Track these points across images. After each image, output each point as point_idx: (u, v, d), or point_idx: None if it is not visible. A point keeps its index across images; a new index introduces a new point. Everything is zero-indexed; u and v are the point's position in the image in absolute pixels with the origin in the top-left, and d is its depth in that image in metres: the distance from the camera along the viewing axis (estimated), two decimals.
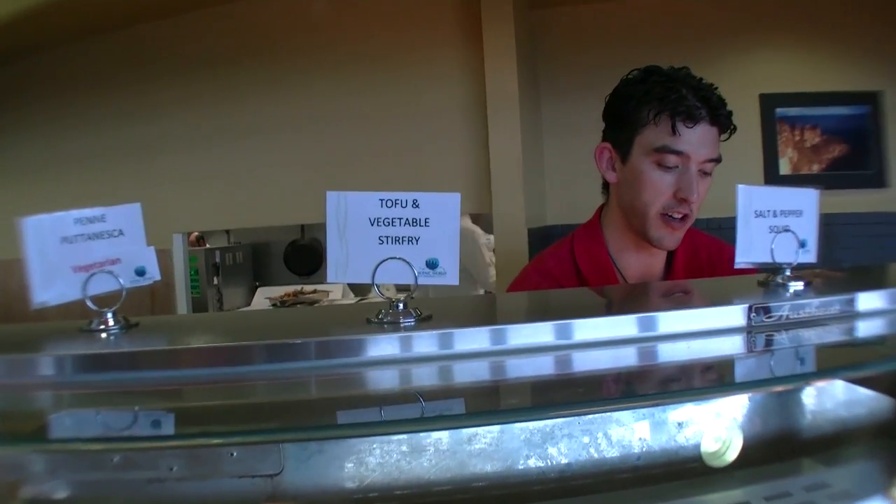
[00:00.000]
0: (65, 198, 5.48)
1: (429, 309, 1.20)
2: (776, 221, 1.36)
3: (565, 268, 1.80)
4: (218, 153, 5.14)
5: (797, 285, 1.32)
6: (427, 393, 1.04)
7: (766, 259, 1.34)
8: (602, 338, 1.12)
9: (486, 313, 1.41)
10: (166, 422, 1.00)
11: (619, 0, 4.91)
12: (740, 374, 1.05)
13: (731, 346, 1.14)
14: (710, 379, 1.02)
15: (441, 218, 1.16)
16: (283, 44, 5.03)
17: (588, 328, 1.11)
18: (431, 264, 1.17)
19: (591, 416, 1.06)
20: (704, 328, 1.15)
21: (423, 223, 1.16)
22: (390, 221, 1.17)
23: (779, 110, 4.81)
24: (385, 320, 1.16)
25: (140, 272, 1.36)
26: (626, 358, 1.12)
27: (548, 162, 5.07)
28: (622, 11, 4.91)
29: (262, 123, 5.08)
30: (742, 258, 1.34)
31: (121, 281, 1.31)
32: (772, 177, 4.76)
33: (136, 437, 0.89)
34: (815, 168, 4.78)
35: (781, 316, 1.18)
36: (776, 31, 4.84)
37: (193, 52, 5.24)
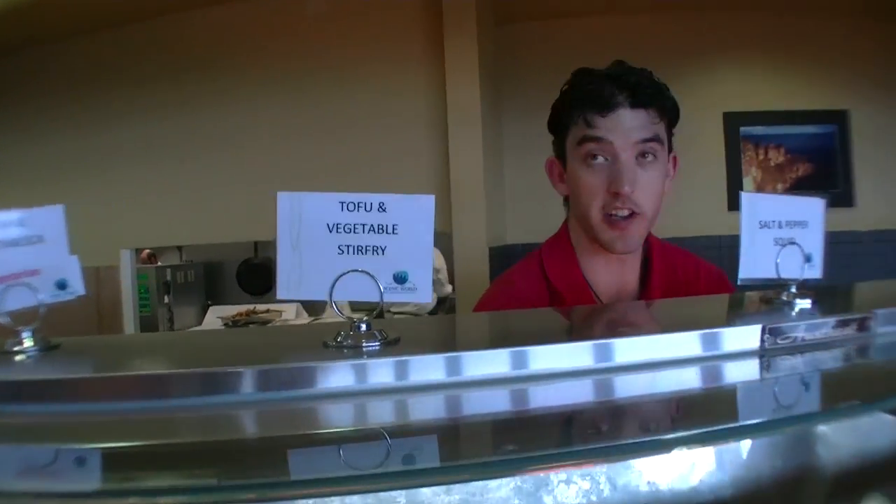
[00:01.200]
0: (7, 206, 5.25)
1: (396, 331, 1.04)
2: (781, 233, 1.22)
3: (536, 287, 1.67)
4: (170, 166, 4.96)
5: (804, 303, 1.18)
6: (396, 431, 0.88)
7: (771, 274, 1.21)
8: (604, 365, 0.97)
9: (465, 336, 1.25)
10: (63, 468, 0.82)
11: (584, 16, 4.83)
12: (762, 408, 0.91)
13: (746, 372, 1.00)
14: (727, 416, 0.88)
15: (412, 224, 1.00)
16: (239, 55, 4.88)
17: (582, 354, 0.97)
18: (400, 278, 1.01)
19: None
20: (712, 353, 1.00)
21: (390, 230, 1.00)
22: (352, 228, 1.00)
23: (743, 129, 4.76)
24: (345, 344, 1.00)
25: (61, 285, 1.19)
26: (630, 387, 0.97)
27: (508, 180, 4.97)
28: (587, 28, 4.84)
29: (218, 136, 4.91)
30: (746, 273, 1.20)
31: (39, 295, 1.14)
32: (735, 196, 4.69)
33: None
34: (780, 187, 4.72)
35: (796, 338, 1.04)
36: (741, 48, 4.79)
37: (146, 63, 5.06)
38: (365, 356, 0.97)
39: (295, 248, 1.02)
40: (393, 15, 4.60)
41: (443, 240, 5.06)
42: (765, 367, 1.01)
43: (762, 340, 1.02)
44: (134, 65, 5.05)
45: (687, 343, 1.00)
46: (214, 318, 7.52)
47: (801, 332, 1.05)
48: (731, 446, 0.84)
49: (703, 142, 4.75)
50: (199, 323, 7.75)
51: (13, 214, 1.17)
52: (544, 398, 0.95)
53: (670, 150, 1.63)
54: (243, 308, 7.54)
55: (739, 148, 4.74)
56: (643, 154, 1.53)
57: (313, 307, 7.36)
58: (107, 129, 5.10)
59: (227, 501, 0.70)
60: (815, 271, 1.25)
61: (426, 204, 1.00)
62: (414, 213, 1.00)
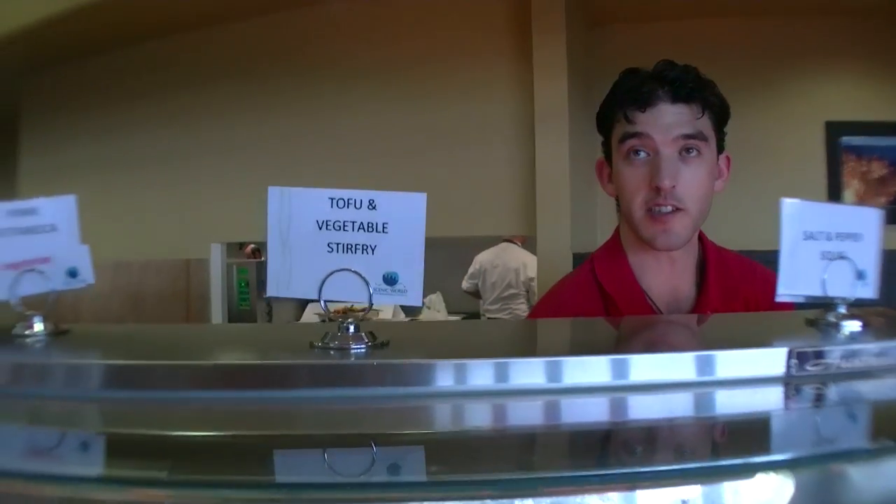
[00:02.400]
0: (101, 203, 5.41)
1: (387, 333, 0.97)
2: (830, 246, 1.10)
3: (588, 294, 1.62)
4: (262, 160, 5.02)
5: (853, 325, 1.06)
6: (383, 439, 0.83)
7: (816, 292, 1.09)
8: (606, 383, 0.89)
9: (463, 341, 1.17)
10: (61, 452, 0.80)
11: (680, 20, 4.67)
12: (769, 443, 0.81)
13: (763, 401, 0.90)
14: (722, 450, 0.79)
15: (403, 223, 0.94)
16: (323, 54, 4.91)
17: (582, 369, 0.88)
18: (390, 279, 0.95)
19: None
20: (728, 376, 0.90)
21: (380, 229, 0.94)
22: (342, 225, 0.95)
23: (844, 139, 4.51)
24: (331, 345, 0.94)
25: (72, 273, 1.20)
26: (631, 409, 0.89)
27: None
28: (682, 32, 4.67)
29: (305, 134, 4.95)
30: (786, 289, 1.09)
31: (50, 283, 1.14)
32: None
33: None
34: (882, 201, 4.46)
35: (830, 364, 0.93)
36: (843, 56, 4.55)
37: (238, 62, 5.15)
38: (349, 358, 0.91)
39: (284, 246, 0.97)
40: (480, 15, 4.54)
41: (530, 245, 4.98)
42: (787, 396, 0.90)
43: (788, 366, 0.91)
44: (223, 65, 5.15)
45: (696, 365, 0.90)
46: (312, 314, 7.60)
47: (834, 359, 0.94)
48: (725, 485, 0.75)
49: (803, 152, 4.53)
50: (298, 318, 7.84)
51: (28, 204, 1.19)
52: (523, 413, 0.87)
53: (721, 149, 1.59)
54: (340, 306, 7.57)
55: (840, 159, 4.50)
56: (686, 149, 1.49)
57: (413, 308, 7.36)
58: (197, 126, 5.21)
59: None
60: (868, 290, 1.13)
61: (418, 202, 0.93)
62: (405, 211, 0.94)
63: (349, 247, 0.95)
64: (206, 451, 0.81)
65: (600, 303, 1.61)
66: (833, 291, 1.09)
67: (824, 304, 1.11)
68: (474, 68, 4.52)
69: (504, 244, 6.35)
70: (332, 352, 0.93)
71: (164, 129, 5.33)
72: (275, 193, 0.96)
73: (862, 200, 4.44)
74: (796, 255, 1.08)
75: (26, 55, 5.44)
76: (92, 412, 0.91)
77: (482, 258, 6.49)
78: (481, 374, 0.87)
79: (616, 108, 1.54)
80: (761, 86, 4.54)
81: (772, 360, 0.92)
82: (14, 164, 5.98)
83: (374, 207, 0.94)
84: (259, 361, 0.90)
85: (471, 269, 6.62)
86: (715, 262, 1.63)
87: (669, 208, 1.48)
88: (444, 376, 0.87)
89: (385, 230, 0.94)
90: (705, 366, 0.90)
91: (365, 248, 0.95)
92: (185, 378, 0.89)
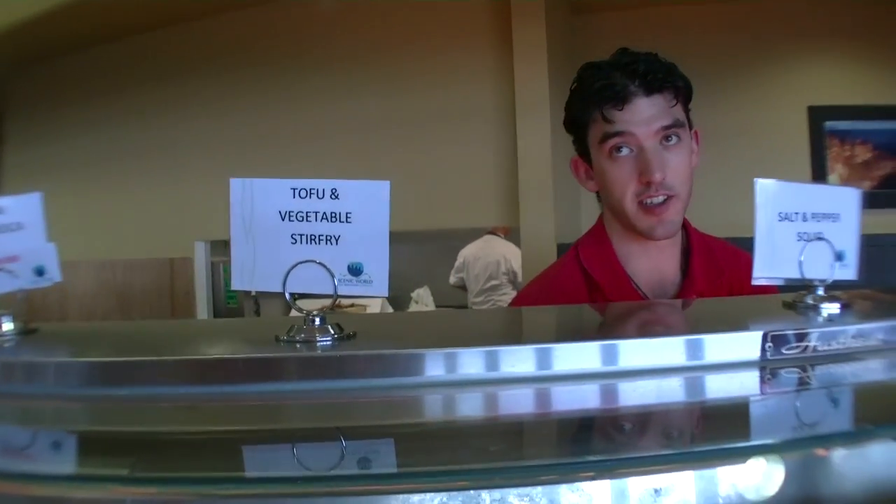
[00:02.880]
0: (83, 198, 5.38)
1: (354, 325, 0.95)
2: (806, 227, 1.09)
3: (573, 280, 1.64)
4: (245, 158, 4.99)
5: (832, 307, 1.05)
6: (352, 433, 0.81)
7: (793, 274, 1.07)
8: (580, 370, 0.87)
9: (432, 332, 1.15)
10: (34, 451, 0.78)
11: (662, 6, 4.65)
12: (744, 429, 0.79)
13: (735, 386, 0.88)
14: (698, 437, 0.77)
15: (366, 212, 0.92)
16: (302, 44, 4.88)
17: (545, 356, 0.86)
18: (354, 270, 0.93)
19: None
20: (703, 361, 0.88)
21: (343, 218, 0.92)
22: (305, 216, 0.93)
23: (828, 123, 4.50)
24: (297, 338, 0.92)
25: (39, 272, 1.18)
26: (604, 397, 0.87)
27: None
28: (665, 17, 4.65)
29: (288, 128, 4.92)
30: (762, 272, 1.07)
31: (17, 281, 1.13)
32: None
33: None
34: (867, 185, 4.44)
35: (806, 347, 0.92)
36: (827, 39, 4.53)
37: (215, 57, 5.11)
38: (316, 350, 0.89)
39: (248, 237, 0.94)
40: (460, 4, 4.51)
41: (514, 236, 4.96)
42: (762, 381, 0.88)
43: (763, 350, 0.90)
44: (203, 59, 5.11)
45: (672, 350, 0.88)
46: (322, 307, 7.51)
47: (810, 342, 0.92)
48: (700, 473, 0.73)
49: (786, 137, 4.52)
50: (286, 313, 7.78)
51: None
52: (489, 403, 0.85)
53: (691, 126, 1.61)
54: (328, 302, 7.52)
55: (824, 143, 4.48)
56: (667, 138, 1.52)
57: (398, 301, 7.33)
58: (182, 122, 5.18)
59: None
60: (847, 272, 1.11)
61: (381, 190, 0.91)
62: (368, 200, 0.92)
63: (313, 237, 0.93)
64: (167, 447, 0.79)
65: (585, 289, 1.62)
66: (811, 273, 1.07)
67: (804, 287, 1.09)
68: (453, 53, 4.50)
69: (487, 236, 6.34)
70: (297, 345, 0.91)
71: (147, 126, 5.30)
72: (237, 185, 0.94)
73: (847, 185, 4.43)
74: (772, 236, 1.07)
75: (10, 52, 5.40)
76: (55, 409, 0.90)
77: (466, 252, 6.48)
78: (445, 363, 0.85)
79: (591, 108, 1.55)
80: (744, 70, 4.53)
81: (746, 343, 0.90)
82: None
83: (336, 197, 0.92)
84: (221, 356, 0.88)
85: (456, 263, 6.62)
86: (699, 248, 1.66)
87: (662, 198, 1.51)
88: (409, 367, 0.85)
89: (349, 220, 0.92)
90: (679, 351, 0.89)
91: (329, 238, 0.92)
92: (146, 374, 0.87)
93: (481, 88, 4.44)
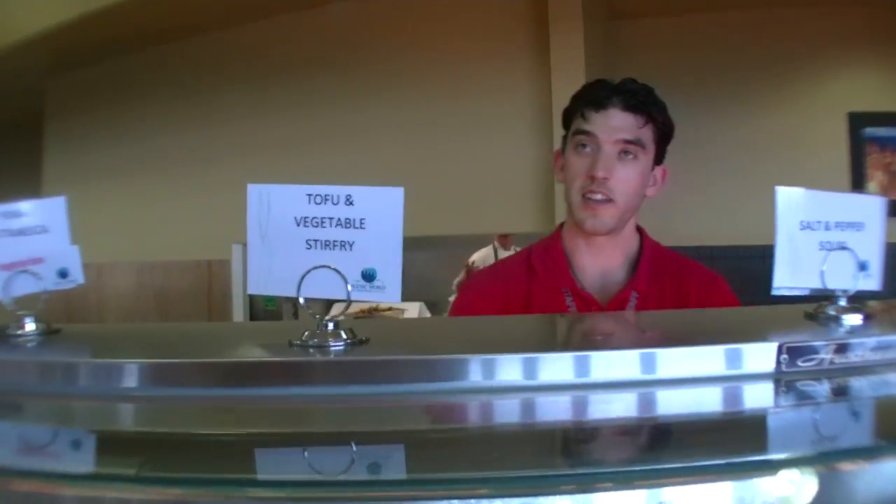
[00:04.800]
0: (123, 202, 5.46)
1: (367, 331, 0.96)
2: (829, 236, 1.07)
3: (518, 266, 1.84)
4: (285, 160, 5.03)
5: (854, 319, 1.03)
6: (364, 438, 0.82)
7: (815, 284, 1.06)
8: (610, 378, 0.86)
9: (443, 338, 1.15)
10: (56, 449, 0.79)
11: (700, 13, 4.61)
12: (756, 444, 0.78)
13: (752, 398, 0.87)
14: (708, 450, 0.76)
15: (380, 218, 0.92)
16: (343, 53, 4.90)
17: (557, 365, 0.86)
18: (368, 276, 0.93)
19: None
20: (712, 373, 0.87)
21: (357, 224, 0.93)
22: (319, 222, 0.94)
23: (868, 130, 4.43)
24: (310, 343, 0.93)
25: (63, 274, 1.20)
26: (624, 407, 0.86)
27: None
28: (703, 25, 4.61)
29: (325, 133, 4.95)
30: (782, 282, 1.05)
31: (41, 283, 1.15)
32: None
33: None
34: None
35: (823, 360, 0.90)
36: (866, 46, 4.46)
37: (256, 63, 5.16)
38: (329, 355, 0.90)
39: (264, 242, 0.95)
40: (497, 10, 4.51)
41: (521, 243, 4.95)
42: (777, 394, 0.87)
43: (778, 361, 0.88)
44: (244, 65, 5.16)
45: (689, 360, 0.87)
46: (338, 311, 7.55)
47: (828, 354, 0.90)
48: (708, 486, 0.72)
49: (826, 143, 4.45)
50: (327, 312, 7.80)
51: (19, 205, 1.19)
52: (502, 410, 0.85)
53: (659, 161, 1.78)
54: (365, 305, 7.56)
55: (864, 150, 4.41)
56: (625, 152, 1.68)
57: (437, 306, 7.34)
58: (221, 126, 5.22)
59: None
60: (871, 282, 1.09)
61: (395, 197, 0.92)
62: (382, 206, 0.92)
63: (327, 243, 0.94)
64: (174, 449, 0.80)
65: (524, 275, 1.79)
66: (833, 283, 1.06)
67: (825, 297, 1.08)
68: (490, 60, 4.50)
69: (496, 244, 6.34)
70: (310, 349, 0.92)
71: (186, 130, 5.36)
72: (254, 191, 0.95)
73: (886, 192, 4.35)
74: (793, 245, 1.05)
75: (49, 58, 5.49)
76: (69, 408, 0.91)
77: (476, 257, 6.48)
78: (458, 370, 0.85)
79: (576, 108, 1.74)
80: (783, 77, 4.48)
81: (762, 355, 0.89)
82: (39, 165, 6.04)
83: (351, 203, 0.93)
84: (233, 359, 0.89)
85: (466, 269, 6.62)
86: (649, 254, 1.79)
87: (600, 196, 1.67)
88: (421, 373, 0.85)
89: (363, 226, 0.93)
90: (692, 362, 0.88)
91: (343, 244, 0.93)
92: (160, 375, 0.88)
93: (518, 95, 4.44)
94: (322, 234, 0.93)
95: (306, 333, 0.94)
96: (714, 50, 4.65)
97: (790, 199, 1.05)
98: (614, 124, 1.68)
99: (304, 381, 0.87)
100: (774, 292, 1.06)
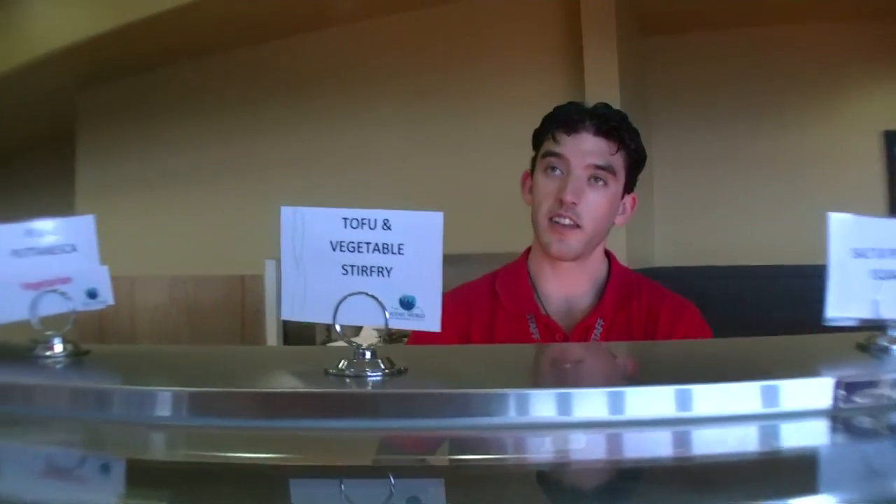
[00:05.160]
0: (156, 215, 5.48)
1: (405, 359, 0.93)
2: (882, 264, 1.03)
3: (481, 291, 1.80)
4: (318, 175, 5.02)
5: None
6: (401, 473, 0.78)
7: (867, 314, 1.02)
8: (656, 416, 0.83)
9: (486, 368, 1.11)
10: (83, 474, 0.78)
11: (733, 28, 4.55)
12: (812, 487, 0.74)
13: (807, 437, 0.83)
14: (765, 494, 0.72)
15: (419, 244, 0.90)
16: (376, 69, 4.90)
17: (614, 400, 0.82)
18: (407, 303, 0.90)
19: None
20: (769, 410, 0.83)
21: (396, 250, 0.90)
22: (356, 246, 0.91)
23: None
24: (347, 372, 0.90)
25: (92, 294, 1.19)
26: (648, 447, 0.83)
27: (658, 198, 4.72)
28: (737, 40, 4.55)
29: (360, 150, 4.94)
30: (836, 311, 1.01)
31: (70, 304, 1.13)
32: None
33: None
34: None
35: (882, 396, 0.86)
36: None
37: (293, 76, 5.17)
38: (367, 387, 0.87)
39: (299, 267, 0.93)
40: (529, 25, 4.49)
41: None
42: (833, 433, 0.83)
43: (835, 398, 0.84)
44: (277, 79, 5.17)
45: (736, 396, 0.84)
46: (371, 330, 7.56)
47: (887, 389, 0.86)
48: None
49: (860, 162, 4.36)
50: (357, 334, 7.82)
51: (48, 223, 1.18)
52: (547, 447, 0.81)
53: (629, 189, 1.75)
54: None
55: None
56: (595, 178, 1.66)
57: None
58: (251, 142, 5.24)
59: None
60: None
61: (434, 222, 0.89)
62: (421, 231, 0.89)
63: (364, 269, 0.91)
64: (209, 480, 0.78)
65: (487, 300, 1.76)
66: (887, 313, 1.02)
67: (878, 327, 1.03)
68: (524, 80, 4.46)
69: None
70: (346, 379, 0.89)
71: (219, 143, 5.38)
72: (287, 213, 0.93)
73: None
74: (845, 273, 1.01)
75: (82, 70, 5.54)
76: (100, 435, 0.89)
77: None
78: (499, 405, 0.82)
79: (547, 129, 1.72)
80: (816, 94, 4.41)
81: (817, 390, 0.85)
82: (72, 177, 6.09)
83: (388, 227, 0.90)
84: (266, 389, 0.86)
85: None
86: (616, 280, 1.75)
87: (568, 221, 1.63)
88: (461, 407, 0.82)
89: (401, 251, 0.90)
90: (749, 397, 0.84)
91: (380, 270, 0.91)
92: (191, 404, 0.86)
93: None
94: (359, 259, 0.91)
95: (343, 363, 0.91)
96: (745, 66, 4.59)
97: (842, 226, 1.01)
98: (586, 148, 1.66)
99: (341, 414, 0.84)
100: (826, 322, 1.02)
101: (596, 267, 1.75)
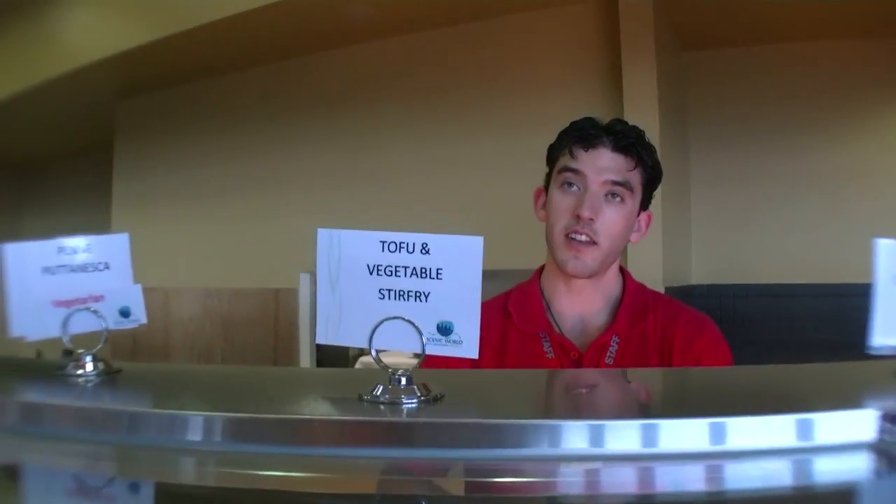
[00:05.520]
0: (191, 227, 5.52)
1: (442, 385, 0.91)
2: None
3: (493, 310, 1.77)
4: (353, 190, 5.02)
5: None
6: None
7: None
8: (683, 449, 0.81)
9: (526, 396, 1.10)
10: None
11: (776, 43, 4.50)
12: None
13: (846, 471, 0.80)
14: None
15: (458, 269, 0.88)
16: (409, 85, 4.90)
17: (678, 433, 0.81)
18: (444, 329, 0.89)
19: None
20: (805, 444, 0.81)
21: (434, 275, 0.89)
22: (393, 270, 0.90)
23: None
24: (382, 399, 0.89)
25: (125, 313, 1.19)
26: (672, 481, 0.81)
27: (695, 214, 4.66)
28: (778, 56, 4.49)
29: (394, 165, 4.94)
30: (882, 338, 0.99)
31: (104, 322, 1.14)
32: None
33: None
34: None
35: None
36: None
37: (331, 90, 5.18)
38: (402, 415, 0.86)
39: (334, 291, 0.92)
40: (567, 40, 4.47)
41: None
42: (877, 467, 0.80)
43: (880, 430, 0.82)
44: (315, 93, 5.18)
45: (770, 429, 0.81)
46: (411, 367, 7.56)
47: None
48: None
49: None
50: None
51: (81, 241, 1.20)
52: (609, 481, 0.79)
53: (645, 207, 1.75)
54: None
55: None
56: (612, 194, 1.65)
57: None
58: (288, 155, 5.25)
59: None
60: None
61: (474, 247, 0.88)
62: (460, 256, 0.88)
63: (401, 293, 0.90)
64: None
65: (499, 320, 1.74)
66: None
67: None
68: (562, 95, 4.44)
69: None
70: (381, 406, 0.88)
71: (255, 156, 5.41)
72: (324, 236, 0.92)
73: None
74: (892, 300, 0.99)
75: (120, 82, 5.60)
76: (127, 457, 0.89)
77: None
78: (534, 436, 0.80)
79: (563, 144, 1.70)
80: (861, 109, 4.34)
81: (858, 422, 0.82)
82: (108, 189, 6.15)
83: (427, 252, 0.89)
84: (297, 416, 0.85)
85: None
86: (631, 297, 1.73)
87: (584, 238, 1.62)
88: (500, 438, 0.80)
89: (439, 276, 0.89)
90: (785, 430, 0.82)
91: (418, 295, 0.89)
92: (220, 429, 0.85)
93: None
94: (396, 283, 0.90)
95: (379, 389, 0.90)
96: (787, 81, 4.54)
97: (889, 252, 0.99)
98: (603, 164, 1.64)
99: (374, 442, 0.83)
100: (872, 351, 0.99)
101: (610, 284, 1.74)
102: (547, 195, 1.75)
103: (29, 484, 0.86)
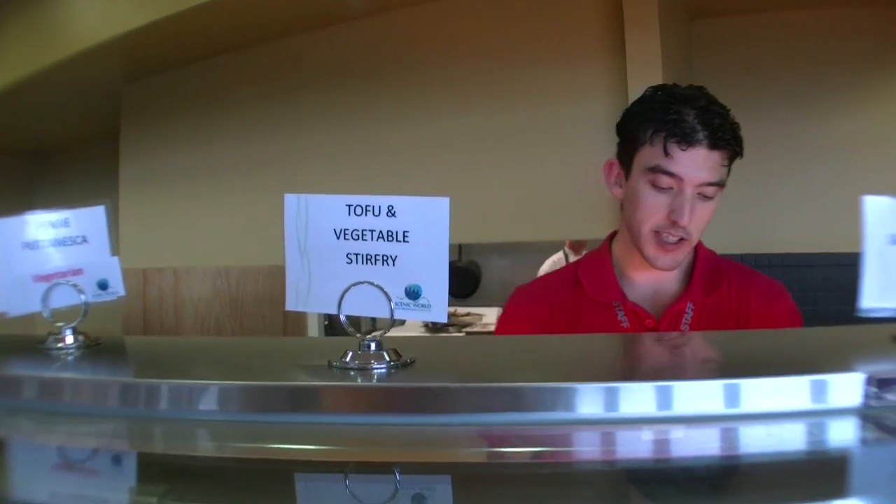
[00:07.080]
0: (199, 207, 5.52)
1: (412, 351, 0.89)
2: None
3: (564, 280, 1.75)
4: (360, 166, 5.00)
5: None
6: (406, 468, 0.75)
7: None
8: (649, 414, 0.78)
9: (495, 361, 1.07)
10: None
11: (783, 11, 4.43)
12: (842, 489, 0.69)
13: (836, 437, 0.77)
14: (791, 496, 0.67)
15: (425, 231, 0.85)
16: (414, 58, 4.85)
17: (627, 396, 0.78)
18: (412, 293, 0.86)
19: None
20: (792, 408, 0.78)
21: (401, 237, 0.86)
22: (360, 234, 0.87)
23: None
24: (351, 365, 0.86)
25: (103, 285, 1.18)
26: (698, 444, 0.78)
27: None
28: (786, 23, 4.42)
29: (399, 140, 4.90)
30: (871, 301, 0.95)
31: (83, 295, 1.13)
32: None
33: None
34: None
35: None
36: None
37: (337, 67, 5.15)
38: (371, 380, 0.84)
39: (303, 257, 0.90)
40: (568, 12, 4.41)
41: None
42: (864, 431, 0.77)
43: (866, 395, 0.79)
44: (320, 71, 5.15)
45: (761, 392, 0.79)
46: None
47: None
48: None
49: None
50: (402, 324, 7.84)
51: (58, 215, 1.18)
52: (563, 442, 0.77)
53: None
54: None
55: None
56: (705, 195, 1.59)
57: None
58: (295, 134, 5.23)
59: None
60: None
61: (440, 208, 0.85)
62: (427, 218, 0.85)
63: (369, 257, 0.87)
64: (202, 475, 0.75)
65: (571, 291, 1.71)
66: None
67: None
68: (563, 66, 4.38)
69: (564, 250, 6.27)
70: (350, 372, 0.85)
71: (262, 135, 5.39)
72: (291, 201, 0.90)
73: None
74: (882, 261, 0.95)
75: (126, 63, 5.59)
76: (100, 427, 0.87)
77: (546, 265, 6.40)
78: (505, 400, 0.78)
79: (654, 132, 1.58)
80: (871, 77, 4.28)
81: (846, 386, 0.79)
82: (115, 171, 6.15)
83: (393, 214, 0.86)
84: (263, 382, 0.83)
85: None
86: (704, 263, 1.70)
87: (676, 238, 1.58)
88: (469, 402, 0.78)
89: (406, 239, 0.86)
90: (800, 392, 0.79)
91: (385, 258, 0.87)
92: (185, 397, 0.83)
93: (592, 98, 4.32)
94: (363, 247, 0.87)
95: (349, 355, 0.87)
96: (796, 50, 4.47)
97: (880, 210, 0.95)
98: (700, 165, 1.56)
99: (343, 409, 0.81)
100: (862, 313, 0.96)
101: None
102: (627, 180, 1.68)
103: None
